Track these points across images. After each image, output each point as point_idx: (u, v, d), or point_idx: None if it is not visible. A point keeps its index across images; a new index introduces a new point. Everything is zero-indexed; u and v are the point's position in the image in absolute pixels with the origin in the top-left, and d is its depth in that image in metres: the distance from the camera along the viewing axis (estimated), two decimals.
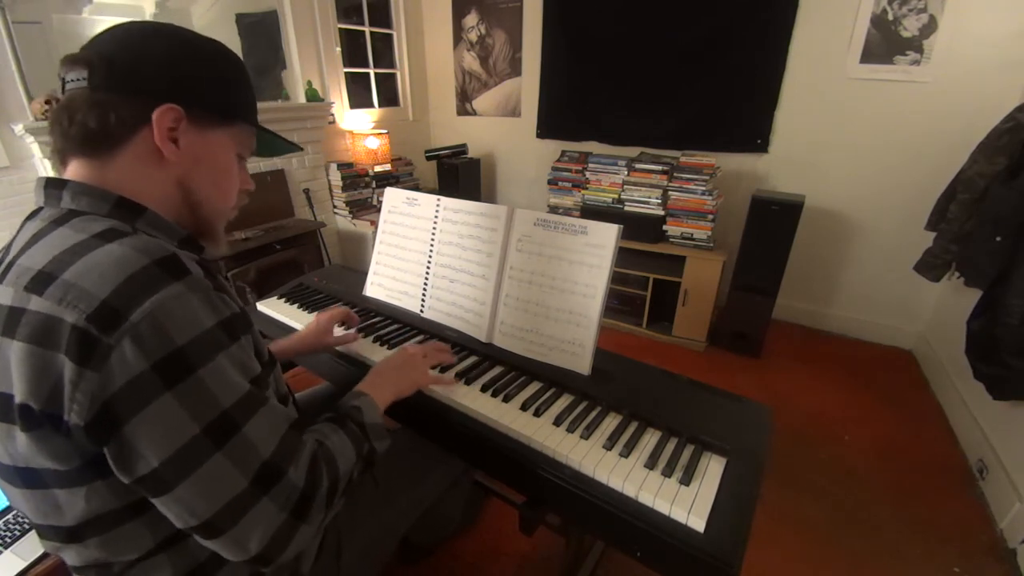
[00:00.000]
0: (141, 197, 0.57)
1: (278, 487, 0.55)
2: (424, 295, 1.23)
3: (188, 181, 0.61)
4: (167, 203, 0.60)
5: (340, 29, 3.10)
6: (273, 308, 1.33)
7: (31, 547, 0.95)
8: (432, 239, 1.22)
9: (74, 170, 0.57)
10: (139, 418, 0.47)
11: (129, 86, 0.56)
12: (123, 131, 0.56)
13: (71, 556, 0.58)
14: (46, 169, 2.01)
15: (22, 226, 0.57)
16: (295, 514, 0.56)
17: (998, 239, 1.58)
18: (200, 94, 0.60)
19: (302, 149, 0.86)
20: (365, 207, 3.24)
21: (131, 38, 0.57)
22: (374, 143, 3.20)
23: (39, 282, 0.48)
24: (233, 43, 2.93)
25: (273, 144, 0.77)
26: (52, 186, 0.56)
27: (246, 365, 0.56)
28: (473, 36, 3.45)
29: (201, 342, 0.50)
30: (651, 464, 0.79)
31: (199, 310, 0.51)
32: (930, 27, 2.16)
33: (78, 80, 0.55)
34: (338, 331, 1.13)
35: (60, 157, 0.58)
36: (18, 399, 0.48)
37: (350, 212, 3.16)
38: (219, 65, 0.63)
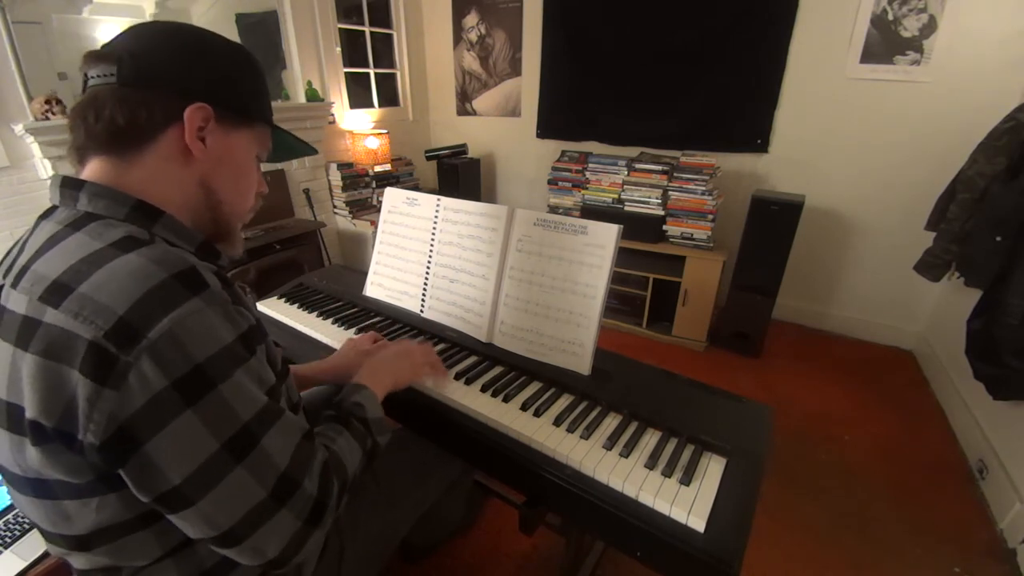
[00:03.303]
0: (161, 198, 0.57)
1: (295, 497, 0.55)
2: (424, 295, 1.23)
3: (210, 181, 0.61)
4: (188, 203, 0.60)
5: (340, 29, 3.10)
6: (273, 308, 1.33)
7: (31, 547, 0.95)
8: (432, 239, 1.22)
9: (93, 168, 0.56)
10: (160, 436, 0.47)
11: (161, 83, 0.55)
12: (153, 128, 0.56)
13: (78, 561, 0.58)
14: (46, 169, 2.01)
15: (36, 224, 0.56)
16: (310, 521, 0.57)
17: (998, 239, 1.58)
18: (229, 94, 0.60)
19: (316, 152, 0.88)
20: (365, 207, 3.24)
21: (158, 36, 0.57)
22: (374, 143, 3.20)
23: (54, 293, 0.47)
24: None
25: (289, 146, 0.77)
26: (69, 186, 0.55)
27: (263, 377, 0.56)
28: (473, 36, 3.45)
29: (220, 358, 0.50)
30: (651, 464, 0.79)
31: (218, 325, 0.50)
32: (930, 27, 2.16)
33: (105, 76, 0.54)
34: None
35: (79, 155, 0.57)
36: (29, 415, 0.47)
37: (350, 212, 3.16)
38: (244, 67, 0.63)
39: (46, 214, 0.56)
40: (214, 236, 0.64)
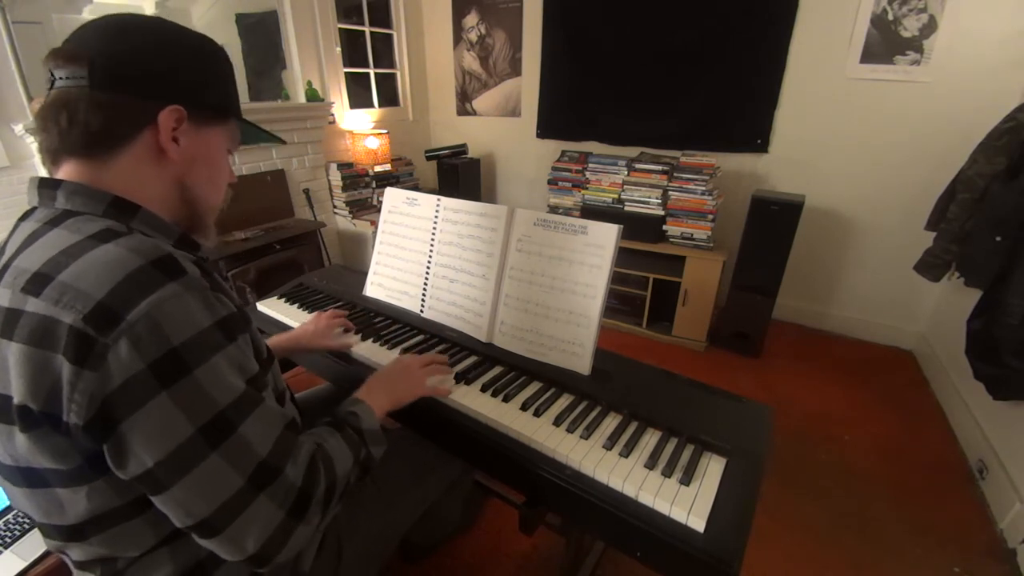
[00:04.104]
0: (137, 196, 0.57)
1: (275, 485, 0.55)
2: (424, 295, 1.23)
3: (185, 178, 0.61)
4: (164, 201, 0.60)
5: (340, 29, 3.10)
6: (273, 308, 1.33)
7: (31, 547, 0.95)
8: (432, 239, 1.22)
9: (68, 170, 0.56)
10: (134, 418, 0.47)
11: (134, 86, 0.55)
12: (128, 132, 0.56)
13: (75, 553, 0.58)
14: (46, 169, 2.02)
15: (16, 226, 0.56)
16: (293, 513, 0.56)
17: (998, 239, 1.58)
18: (200, 93, 0.60)
19: (284, 142, 0.89)
20: (365, 207, 3.24)
21: (127, 34, 0.56)
22: (374, 143, 3.20)
23: (36, 283, 0.48)
24: (233, 43, 2.93)
25: (253, 133, 0.77)
26: (46, 186, 0.55)
27: (243, 365, 0.56)
28: (473, 36, 3.45)
29: (197, 342, 0.50)
30: (651, 464, 0.79)
31: (195, 310, 0.51)
32: (930, 27, 2.16)
33: (75, 79, 0.53)
34: (337, 334, 1.14)
35: (53, 157, 0.57)
36: (17, 400, 0.48)
37: (350, 212, 3.16)
38: (214, 64, 0.63)
39: (25, 215, 0.57)
40: (189, 229, 0.65)
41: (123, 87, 0.55)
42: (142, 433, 0.48)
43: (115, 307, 0.46)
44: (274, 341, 1.07)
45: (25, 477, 0.53)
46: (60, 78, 0.54)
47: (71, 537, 0.56)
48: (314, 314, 1.18)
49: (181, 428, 0.49)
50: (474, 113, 3.67)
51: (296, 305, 1.33)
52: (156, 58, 0.57)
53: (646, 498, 0.74)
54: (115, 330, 0.46)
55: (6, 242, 0.56)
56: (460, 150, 3.39)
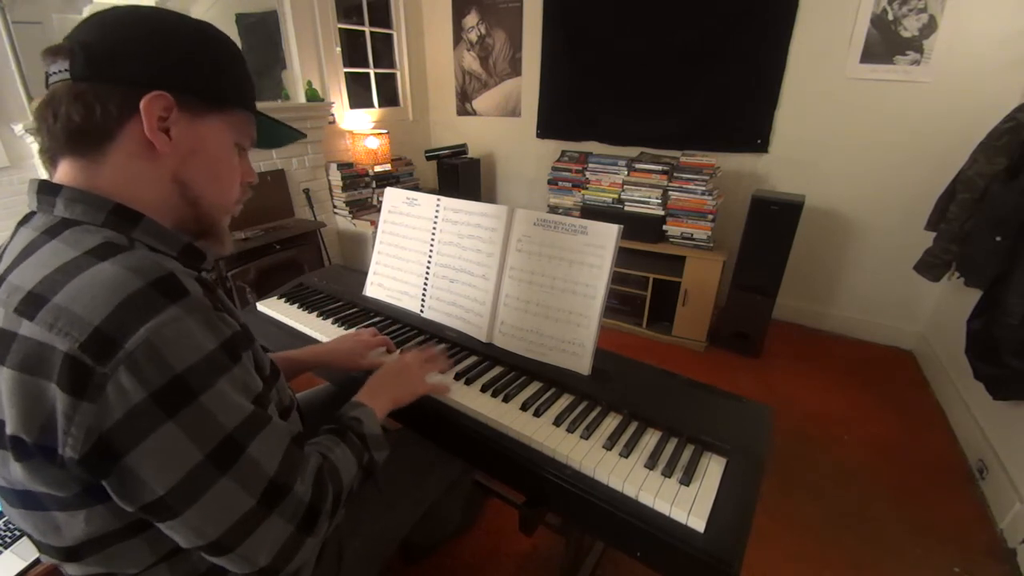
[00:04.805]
0: (137, 199, 0.54)
1: (285, 502, 0.54)
2: (424, 295, 1.23)
3: (184, 175, 0.57)
4: (165, 202, 0.57)
5: (340, 29, 3.10)
6: (273, 308, 1.33)
7: (31, 547, 0.95)
8: (432, 239, 1.22)
9: (64, 171, 0.54)
10: (140, 449, 0.46)
11: (112, 74, 0.52)
12: (110, 124, 0.52)
13: (71, 569, 0.58)
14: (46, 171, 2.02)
15: (15, 231, 0.54)
16: (302, 527, 0.56)
17: (998, 239, 1.58)
18: (189, 79, 0.55)
19: (305, 135, 0.85)
20: (365, 207, 3.24)
21: (111, 23, 0.53)
22: (374, 143, 3.20)
23: (29, 304, 0.46)
24: None
25: (277, 134, 0.73)
26: (45, 191, 0.53)
27: (248, 385, 0.54)
28: (473, 36, 3.45)
29: (201, 368, 0.48)
30: (651, 464, 0.79)
31: (198, 333, 0.49)
32: (930, 27, 2.16)
33: (61, 72, 0.51)
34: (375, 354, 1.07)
35: (49, 157, 0.55)
36: (9, 430, 0.46)
37: (350, 212, 3.16)
38: (208, 48, 0.58)
39: (25, 220, 0.54)
40: (199, 234, 0.62)
41: (102, 74, 0.51)
42: (149, 464, 0.46)
43: (112, 334, 0.44)
44: (297, 355, 1.00)
45: (21, 499, 0.52)
46: (51, 74, 0.52)
47: (67, 558, 0.55)
48: (350, 332, 1.10)
49: (189, 455, 0.48)
50: (474, 113, 3.67)
51: (296, 305, 1.33)
52: (139, 43, 0.53)
53: (646, 498, 0.74)
54: (113, 359, 0.44)
55: (3, 249, 0.54)
56: (460, 150, 3.39)
